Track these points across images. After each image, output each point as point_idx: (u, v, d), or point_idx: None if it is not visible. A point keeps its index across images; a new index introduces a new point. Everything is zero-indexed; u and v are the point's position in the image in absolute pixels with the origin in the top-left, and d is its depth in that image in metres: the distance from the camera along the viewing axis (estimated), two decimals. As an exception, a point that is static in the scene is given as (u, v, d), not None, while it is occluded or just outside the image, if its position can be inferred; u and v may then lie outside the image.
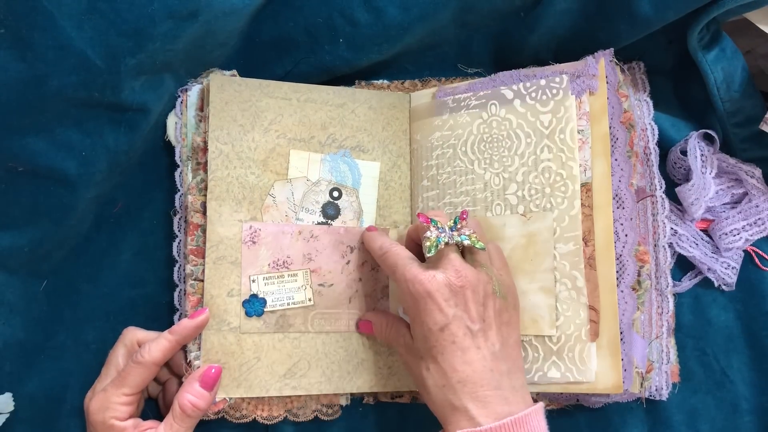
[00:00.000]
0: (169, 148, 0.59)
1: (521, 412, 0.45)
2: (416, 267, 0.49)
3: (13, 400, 0.55)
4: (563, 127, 0.55)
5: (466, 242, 0.50)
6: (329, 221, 0.57)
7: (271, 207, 0.56)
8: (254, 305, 0.55)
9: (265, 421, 0.56)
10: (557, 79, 0.56)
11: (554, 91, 0.56)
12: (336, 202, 0.57)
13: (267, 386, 0.55)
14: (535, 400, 0.50)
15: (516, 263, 0.55)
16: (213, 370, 0.52)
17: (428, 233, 0.49)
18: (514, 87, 0.57)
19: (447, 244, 0.50)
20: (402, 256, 0.51)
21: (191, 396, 0.51)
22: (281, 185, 0.56)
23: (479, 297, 0.48)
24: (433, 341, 0.48)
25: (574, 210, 0.54)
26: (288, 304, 0.56)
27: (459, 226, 0.50)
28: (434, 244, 0.49)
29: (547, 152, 0.55)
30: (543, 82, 0.56)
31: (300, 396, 0.57)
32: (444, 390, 0.47)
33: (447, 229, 0.50)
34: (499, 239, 0.56)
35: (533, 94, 0.57)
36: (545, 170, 0.55)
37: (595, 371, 0.52)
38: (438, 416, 0.49)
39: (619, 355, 0.51)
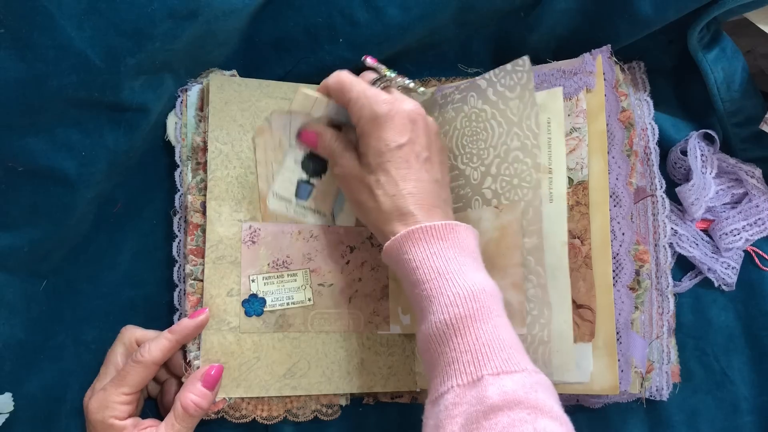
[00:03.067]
0: (169, 148, 0.59)
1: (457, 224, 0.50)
2: (379, 90, 0.53)
3: (13, 400, 0.55)
4: (528, 112, 0.55)
5: (411, 85, 0.56)
6: (311, 179, 0.57)
7: (266, 131, 0.57)
8: (254, 305, 0.55)
9: (265, 421, 0.56)
10: (520, 62, 0.56)
11: (519, 75, 0.56)
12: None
13: (267, 386, 0.55)
14: None
15: (491, 258, 0.54)
16: (214, 371, 0.52)
17: (384, 71, 0.55)
18: (486, 75, 0.57)
19: (393, 82, 0.55)
20: (362, 83, 0.54)
21: (194, 396, 0.51)
22: (279, 115, 0.56)
23: (430, 132, 0.53)
24: (389, 156, 0.50)
25: (537, 201, 0.54)
26: (288, 303, 0.56)
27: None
28: (385, 76, 0.55)
29: (516, 140, 0.55)
30: (509, 66, 0.56)
31: (300, 396, 0.56)
32: (394, 198, 0.50)
33: (390, 73, 0.55)
34: None
35: (502, 81, 0.56)
36: (515, 160, 0.55)
37: (590, 372, 0.51)
38: (379, 225, 0.51)
39: (615, 355, 0.51)
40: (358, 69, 0.61)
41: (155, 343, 0.52)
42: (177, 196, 0.58)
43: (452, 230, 0.48)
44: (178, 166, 0.58)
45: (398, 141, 0.51)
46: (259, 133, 0.57)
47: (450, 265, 0.46)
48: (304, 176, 0.57)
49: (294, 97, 0.55)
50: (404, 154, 0.51)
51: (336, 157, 0.54)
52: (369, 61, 0.56)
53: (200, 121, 0.58)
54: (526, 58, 0.55)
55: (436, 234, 0.48)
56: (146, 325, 0.56)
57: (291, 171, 0.57)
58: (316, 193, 0.57)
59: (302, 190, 0.57)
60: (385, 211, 0.50)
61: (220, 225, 0.55)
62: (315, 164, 0.57)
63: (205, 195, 0.56)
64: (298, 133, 0.56)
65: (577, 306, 0.52)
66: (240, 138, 0.57)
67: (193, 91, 0.58)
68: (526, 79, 0.55)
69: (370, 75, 0.55)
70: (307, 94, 0.55)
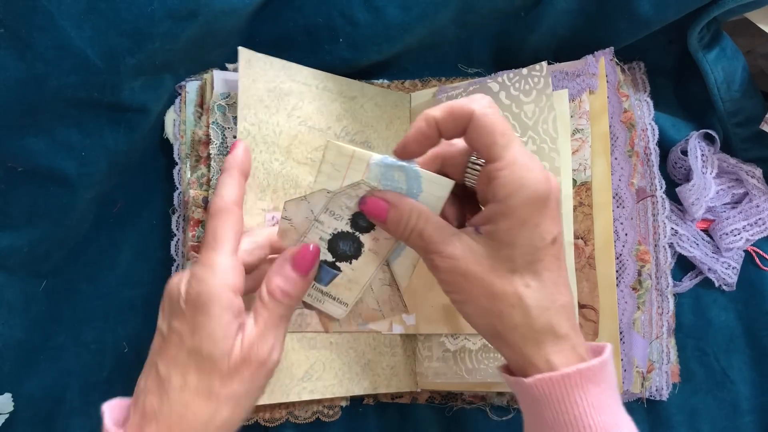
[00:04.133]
0: (168, 148, 0.59)
1: (606, 350, 0.40)
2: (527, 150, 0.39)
3: (13, 401, 0.54)
4: (545, 116, 0.55)
5: None
6: (358, 233, 0.42)
7: (290, 231, 0.43)
8: None
9: (267, 424, 0.56)
10: (537, 67, 0.55)
11: (535, 80, 0.55)
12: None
13: (287, 390, 0.53)
14: None
15: None
16: (309, 250, 0.40)
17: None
18: (499, 79, 0.57)
19: None
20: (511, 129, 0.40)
21: (281, 281, 0.39)
22: (295, 205, 0.41)
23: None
24: (543, 254, 0.38)
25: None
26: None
27: None
28: None
29: (531, 144, 0.55)
30: (525, 71, 0.56)
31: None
32: (548, 313, 0.38)
33: None
34: None
35: (516, 85, 0.56)
36: None
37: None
38: (521, 346, 0.39)
39: (618, 355, 0.51)
40: (358, 69, 0.61)
41: (221, 186, 0.41)
42: (176, 194, 0.58)
43: (609, 365, 0.39)
44: (177, 164, 0.58)
45: (553, 233, 0.38)
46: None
47: (620, 421, 0.39)
48: (330, 258, 0.43)
49: (324, 153, 0.41)
50: (556, 251, 0.39)
51: (435, 243, 0.39)
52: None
53: (200, 116, 0.57)
54: (543, 64, 0.55)
55: (604, 375, 0.38)
56: (146, 326, 0.56)
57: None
58: (340, 280, 0.43)
59: (324, 274, 0.43)
60: (537, 330, 0.38)
61: (244, 212, 0.54)
62: (346, 245, 0.43)
63: (206, 190, 0.55)
64: (361, 201, 0.41)
65: (580, 306, 0.52)
66: (267, 120, 0.55)
67: (192, 88, 0.58)
68: (544, 83, 0.55)
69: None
70: (340, 147, 0.40)
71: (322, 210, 0.41)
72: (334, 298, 0.44)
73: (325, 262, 0.43)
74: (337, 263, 0.43)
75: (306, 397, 0.54)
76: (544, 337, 0.38)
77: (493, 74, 0.59)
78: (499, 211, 0.37)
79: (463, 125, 0.38)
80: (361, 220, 0.42)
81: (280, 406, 0.56)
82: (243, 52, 0.54)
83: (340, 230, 0.42)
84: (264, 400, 0.53)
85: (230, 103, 0.56)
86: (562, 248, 0.39)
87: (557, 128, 0.54)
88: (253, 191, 0.53)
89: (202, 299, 0.37)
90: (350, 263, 0.43)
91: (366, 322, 0.46)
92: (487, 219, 0.38)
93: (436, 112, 0.38)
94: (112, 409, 0.39)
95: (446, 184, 0.40)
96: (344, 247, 0.42)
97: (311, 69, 0.58)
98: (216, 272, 0.37)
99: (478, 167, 0.40)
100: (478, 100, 0.38)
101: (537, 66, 0.55)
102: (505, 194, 0.37)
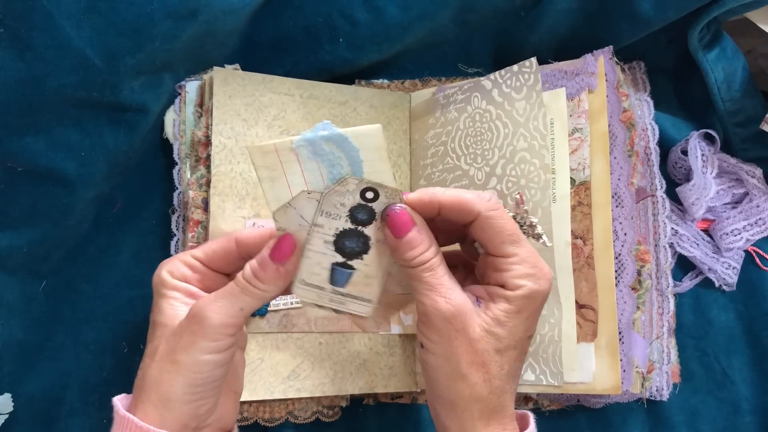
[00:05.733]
0: (168, 148, 0.59)
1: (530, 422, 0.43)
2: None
3: (12, 401, 0.54)
4: (536, 113, 0.54)
5: (544, 238, 0.44)
6: (360, 227, 0.41)
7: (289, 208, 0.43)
8: None
9: (267, 423, 0.56)
10: (527, 64, 0.55)
11: (526, 77, 0.55)
12: (370, 204, 0.41)
13: (271, 388, 0.55)
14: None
15: None
16: (289, 245, 0.41)
17: (529, 218, 0.43)
18: (492, 77, 0.57)
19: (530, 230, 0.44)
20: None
21: (255, 263, 0.40)
22: (283, 212, 0.41)
23: None
24: (520, 345, 0.41)
25: (546, 201, 0.53)
26: (291, 303, 0.56)
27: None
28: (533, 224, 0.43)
29: (522, 141, 0.55)
30: (515, 68, 0.56)
31: (301, 397, 0.56)
32: (505, 396, 0.41)
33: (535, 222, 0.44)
34: None
35: (508, 82, 0.56)
36: (521, 161, 0.55)
37: (593, 372, 0.52)
38: (463, 413, 0.41)
39: (617, 355, 0.51)
40: (358, 68, 0.61)
41: (246, 230, 0.44)
42: (175, 194, 0.58)
43: None
44: (176, 164, 0.58)
45: (533, 330, 0.41)
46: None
47: None
48: (340, 259, 0.42)
49: (252, 161, 0.40)
50: (527, 345, 0.41)
51: (444, 287, 0.40)
52: (521, 201, 0.46)
53: (200, 116, 0.57)
54: (533, 60, 0.55)
55: None
56: (146, 326, 0.56)
57: (321, 254, 0.42)
58: (357, 278, 0.42)
59: (338, 276, 0.42)
60: (493, 408, 0.40)
61: (223, 221, 0.55)
62: (353, 242, 0.42)
63: (206, 191, 0.56)
64: (389, 208, 0.40)
65: (579, 306, 0.52)
66: (244, 133, 0.56)
67: (191, 87, 0.58)
68: (533, 80, 0.55)
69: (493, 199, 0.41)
70: (260, 147, 0.40)
71: (316, 214, 0.41)
72: (356, 298, 0.43)
73: (337, 264, 0.42)
74: (349, 262, 0.42)
75: (292, 395, 0.55)
76: (488, 412, 0.40)
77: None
78: (503, 296, 0.40)
79: (467, 221, 0.40)
80: (360, 214, 0.41)
81: (279, 405, 0.56)
82: (218, 72, 0.56)
83: (342, 229, 0.41)
84: (245, 397, 0.53)
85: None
86: (529, 346, 0.42)
87: (547, 125, 0.54)
88: (232, 200, 0.55)
89: (155, 285, 0.43)
90: (362, 259, 0.42)
91: (398, 312, 0.46)
92: (488, 296, 0.40)
93: (444, 197, 0.40)
94: (121, 399, 0.42)
95: (376, 131, 0.39)
96: (351, 245, 0.42)
97: (295, 79, 0.58)
98: (167, 264, 0.43)
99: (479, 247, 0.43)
100: (485, 200, 0.40)
101: (527, 62, 0.55)
102: (515, 286, 0.39)
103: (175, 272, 0.43)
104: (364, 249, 0.42)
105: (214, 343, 0.39)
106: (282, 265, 0.40)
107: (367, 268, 0.42)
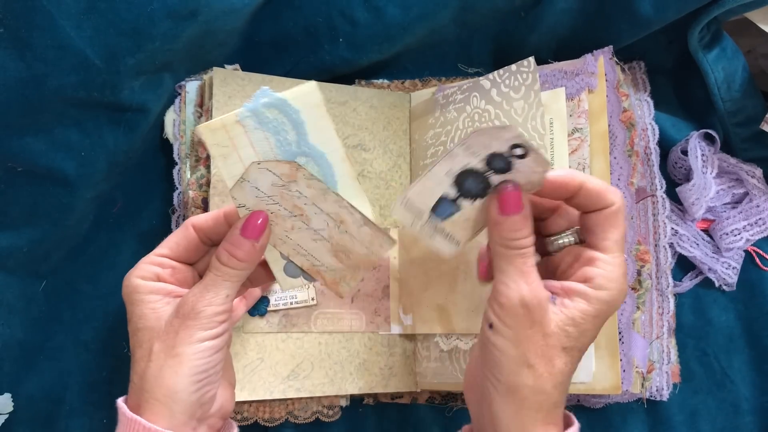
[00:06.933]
0: (168, 148, 0.59)
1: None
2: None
3: (12, 401, 0.54)
4: (534, 113, 0.54)
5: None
6: (491, 172, 0.40)
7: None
8: (257, 305, 0.55)
9: (267, 423, 0.56)
10: (525, 63, 0.55)
11: (524, 76, 0.55)
12: (514, 159, 0.39)
13: (271, 388, 0.55)
14: None
15: None
16: (259, 219, 0.42)
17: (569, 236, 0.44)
18: (490, 76, 0.57)
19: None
20: None
21: (228, 245, 0.42)
22: (239, 189, 0.41)
23: None
24: (584, 349, 0.41)
25: None
26: (291, 303, 0.56)
27: None
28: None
29: None
30: (514, 67, 0.56)
31: (301, 397, 0.56)
32: (560, 388, 0.40)
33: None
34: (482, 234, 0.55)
35: (507, 82, 0.56)
36: None
37: (593, 371, 0.51)
38: (519, 410, 0.40)
39: (617, 355, 0.51)
40: (358, 68, 0.61)
41: (199, 215, 0.45)
42: (175, 194, 0.58)
43: None
44: (176, 164, 0.58)
45: (596, 338, 0.42)
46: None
47: None
48: (453, 193, 0.41)
49: (202, 141, 0.40)
50: (584, 353, 0.41)
51: (529, 274, 0.40)
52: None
53: (200, 117, 0.57)
54: (531, 59, 0.55)
55: None
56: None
57: (437, 182, 0.41)
58: (459, 217, 0.42)
59: (443, 207, 0.41)
60: (553, 403, 0.40)
61: None
62: (474, 183, 0.41)
63: (206, 191, 0.56)
64: (502, 185, 0.40)
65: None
66: None
67: (192, 87, 0.58)
68: (532, 80, 0.55)
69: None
70: (208, 125, 0.41)
71: (458, 145, 0.39)
72: (447, 235, 0.42)
73: (447, 197, 0.41)
74: (459, 200, 0.41)
75: (291, 394, 0.55)
76: (546, 408, 0.39)
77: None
78: (583, 294, 0.39)
79: (595, 207, 0.40)
80: (498, 162, 0.39)
81: (279, 405, 0.56)
82: (218, 72, 0.56)
83: (472, 167, 0.40)
84: (245, 397, 0.54)
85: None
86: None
87: (546, 124, 0.54)
88: (231, 201, 0.54)
89: (127, 296, 0.43)
90: (472, 202, 0.41)
91: (364, 270, 0.46)
92: (566, 293, 0.40)
93: (591, 184, 0.40)
94: (125, 401, 0.42)
95: (312, 87, 0.41)
96: (471, 185, 0.41)
97: (295, 80, 0.58)
98: (135, 270, 0.43)
99: (569, 243, 0.43)
100: (620, 195, 0.40)
101: (525, 62, 0.55)
102: (599, 286, 0.39)
103: (147, 275, 0.43)
104: (481, 194, 0.41)
105: (211, 331, 0.41)
106: (257, 241, 0.42)
107: (472, 211, 0.42)
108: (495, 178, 0.40)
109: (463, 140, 0.39)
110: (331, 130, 0.41)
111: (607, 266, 0.40)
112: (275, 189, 0.42)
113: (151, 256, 0.44)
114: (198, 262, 0.45)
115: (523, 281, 0.39)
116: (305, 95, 0.41)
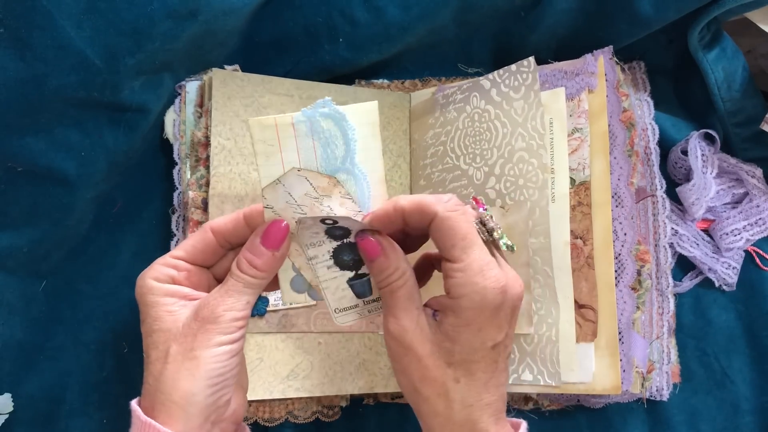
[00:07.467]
0: (168, 148, 0.59)
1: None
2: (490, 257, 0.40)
3: (12, 401, 0.54)
4: (534, 113, 0.54)
5: (507, 243, 0.43)
6: (344, 240, 0.42)
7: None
8: (257, 305, 0.55)
9: (267, 423, 0.56)
10: (525, 63, 0.55)
11: (524, 76, 0.55)
12: (337, 225, 0.41)
13: (270, 388, 0.55)
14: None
15: None
16: (279, 227, 0.41)
17: (497, 232, 0.42)
18: (490, 76, 0.57)
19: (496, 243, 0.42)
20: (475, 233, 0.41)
21: (248, 254, 0.41)
22: (272, 190, 0.41)
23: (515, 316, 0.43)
24: (480, 355, 0.40)
25: (543, 201, 0.53)
26: (290, 303, 0.56)
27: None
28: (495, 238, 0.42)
29: (520, 141, 0.55)
30: (513, 67, 0.56)
31: (301, 397, 0.56)
32: (471, 410, 0.40)
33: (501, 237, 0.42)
34: None
35: (507, 82, 0.56)
36: (519, 160, 0.55)
37: (593, 372, 0.52)
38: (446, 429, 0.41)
39: (617, 355, 0.51)
40: (358, 68, 0.61)
41: (222, 217, 0.44)
42: (175, 194, 0.58)
43: None
44: (177, 164, 0.58)
45: (496, 339, 0.40)
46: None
47: None
48: (350, 274, 0.43)
49: (250, 134, 0.40)
50: (495, 355, 0.41)
51: (398, 308, 0.41)
52: (475, 205, 0.43)
53: (200, 116, 0.57)
54: (531, 59, 0.55)
55: None
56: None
57: (333, 279, 0.43)
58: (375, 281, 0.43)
59: (360, 288, 0.43)
60: (456, 422, 0.40)
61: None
62: (348, 254, 0.42)
63: (206, 191, 0.56)
64: (359, 234, 0.41)
65: (579, 306, 0.52)
66: (243, 134, 0.56)
67: (192, 88, 0.58)
68: (531, 79, 0.55)
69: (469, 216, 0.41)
70: (261, 121, 0.40)
71: (305, 249, 0.42)
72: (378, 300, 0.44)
73: (351, 279, 0.43)
74: (359, 272, 0.43)
75: (291, 394, 0.55)
76: (460, 429, 0.40)
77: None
78: (450, 307, 0.40)
79: (427, 222, 0.40)
80: (336, 231, 0.42)
81: (279, 405, 0.56)
82: (217, 73, 0.56)
83: (332, 249, 0.42)
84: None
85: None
86: (502, 353, 0.41)
87: (545, 124, 0.54)
88: (231, 201, 0.55)
89: (141, 296, 0.43)
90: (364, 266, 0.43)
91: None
92: (441, 308, 0.41)
93: (405, 202, 0.40)
94: (138, 402, 0.42)
95: (372, 107, 0.41)
96: (348, 257, 0.43)
97: (294, 80, 0.58)
98: (149, 271, 0.43)
99: None
100: (443, 201, 0.40)
101: (525, 62, 0.55)
102: (457, 295, 0.39)
103: (161, 277, 0.42)
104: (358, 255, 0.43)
105: (230, 336, 0.40)
106: (276, 250, 0.41)
107: None
108: (352, 237, 0.42)
109: (302, 245, 0.42)
110: (378, 150, 0.41)
111: (457, 273, 0.39)
112: (307, 199, 0.41)
113: (167, 258, 0.43)
114: (215, 266, 0.45)
115: (388, 314, 0.41)
116: (365, 113, 0.41)
